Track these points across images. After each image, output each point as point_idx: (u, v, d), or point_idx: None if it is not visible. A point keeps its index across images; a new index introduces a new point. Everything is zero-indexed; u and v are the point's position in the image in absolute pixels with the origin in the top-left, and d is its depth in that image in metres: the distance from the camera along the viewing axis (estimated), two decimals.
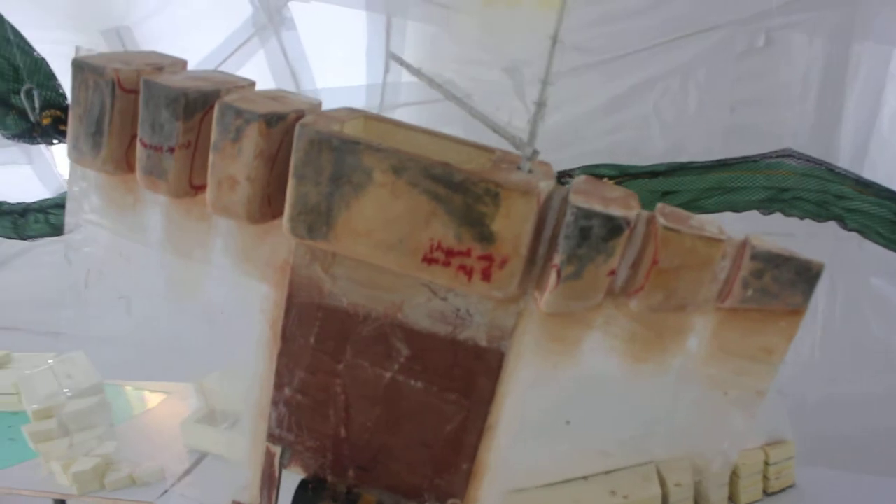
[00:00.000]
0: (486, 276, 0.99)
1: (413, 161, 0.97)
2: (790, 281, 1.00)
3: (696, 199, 1.75)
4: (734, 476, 1.58)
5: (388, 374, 1.19)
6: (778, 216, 1.91)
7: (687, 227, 0.98)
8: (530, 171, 1.04)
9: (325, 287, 1.16)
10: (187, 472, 1.92)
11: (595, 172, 1.81)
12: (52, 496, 1.88)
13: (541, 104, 1.03)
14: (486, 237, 0.97)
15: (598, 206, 0.95)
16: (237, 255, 1.19)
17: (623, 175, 1.79)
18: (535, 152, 1.04)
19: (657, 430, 1.45)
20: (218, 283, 1.22)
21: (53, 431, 1.97)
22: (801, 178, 1.63)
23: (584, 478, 1.56)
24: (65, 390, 2.10)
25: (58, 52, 1.87)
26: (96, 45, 2.98)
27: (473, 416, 1.18)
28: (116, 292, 1.37)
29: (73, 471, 1.80)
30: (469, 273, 1.00)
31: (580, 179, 1.07)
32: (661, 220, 0.98)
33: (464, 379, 1.16)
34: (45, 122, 1.78)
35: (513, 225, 0.97)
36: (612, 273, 0.99)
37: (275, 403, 1.27)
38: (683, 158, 1.99)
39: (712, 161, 1.78)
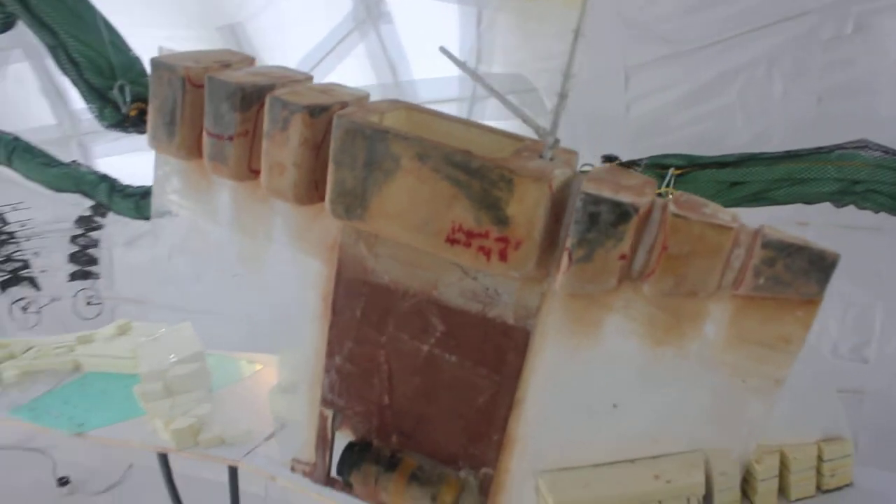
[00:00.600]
0: (503, 256, 1.06)
1: (436, 149, 1.05)
2: (803, 270, 1.00)
3: (765, 191, 1.72)
4: (784, 469, 1.57)
5: (425, 348, 1.28)
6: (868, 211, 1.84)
7: (697, 215, 1.00)
8: (552, 159, 1.09)
9: (369, 264, 1.26)
10: (270, 435, 2.09)
11: (664, 163, 1.82)
12: (155, 449, 2.09)
13: (563, 96, 1.09)
14: (502, 220, 1.04)
15: (607, 193, 1.00)
16: (293, 234, 1.31)
17: (692, 165, 1.79)
18: (557, 141, 1.10)
19: (695, 419, 1.46)
20: (278, 259, 1.34)
21: (159, 393, 2.20)
22: (874, 170, 1.57)
23: (632, 461, 1.60)
24: (171, 357, 2.32)
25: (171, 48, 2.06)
26: (213, 42, 3.23)
27: (503, 390, 1.24)
28: (195, 267, 1.52)
29: (173, 428, 2.01)
30: (487, 254, 1.07)
31: (601, 167, 1.12)
32: (672, 208, 1.01)
33: (493, 355, 1.23)
34: (132, 113, 2.00)
35: (526, 209, 1.03)
36: (624, 258, 1.04)
37: (327, 371, 1.38)
38: (768, 149, 1.95)
39: (782, 152, 1.74)
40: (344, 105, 1.17)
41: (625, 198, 1.00)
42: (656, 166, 1.80)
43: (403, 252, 1.23)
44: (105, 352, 2.56)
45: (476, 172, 1.04)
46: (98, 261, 3.49)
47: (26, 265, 3.79)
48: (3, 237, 3.73)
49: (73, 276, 3.58)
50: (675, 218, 1.00)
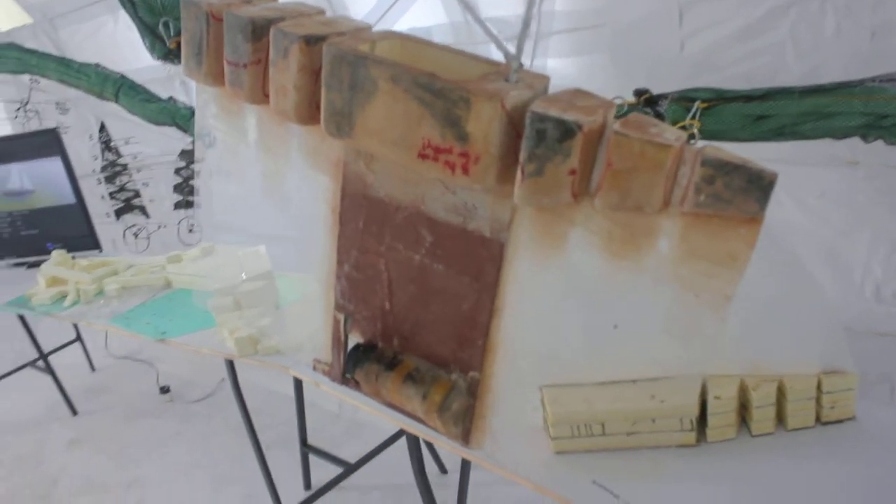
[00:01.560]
0: (465, 170, 1.17)
1: (407, 72, 1.17)
2: (742, 188, 1.06)
3: (791, 125, 1.70)
4: (782, 398, 1.59)
5: (417, 258, 1.41)
6: None
7: (639, 133, 1.07)
8: (516, 82, 1.18)
9: (368, 180, 1.40)
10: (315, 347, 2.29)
11: (692, 96, 1.82)
12: (222, 355, 2.33)
13: (526, 22, 1.16)
14: (463, 137, 1.15)
15: (553, 112, 1.08)
16: (306, 152, 1.46)
17: (718, 99, 1.79)
18: (521, 65, 1.18)
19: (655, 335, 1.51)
20: (295, 175, 1.50)
21: (229, 307, 2.44)
22: None
23: (633, 381, 1.67)
24: (242, 275, 2.57)
25: None
26: None
27: (483, 298, 1.36)
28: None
29: (236, 336, 2.24)
30: (452, 168, 1.18)
31: (565, 91, 1.19)
32: (615, 126, 1.08)
33: (474, 265, 1.34)
34: (173, 46, 2.23)
35: (482, 126, 1.13)
36: (573, 173, 1.12)
37: (338, 278, 1.54)
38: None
39: (809, 86, 1.71)
40: (340, 35, 1.29)
41: (569, 116, 1.08)
42: (683, 99, 1.82)
43: (394, 168, 1.35)
44: (190, 271, 2.85)
45: (439, 93, 1.14)
46: (198, 191, 3.82)
47: (137, 195, 4.20)
48: (118, 169, 4.14)
49: (177, 206, 3.94)
50: (617, 136, 1.08)
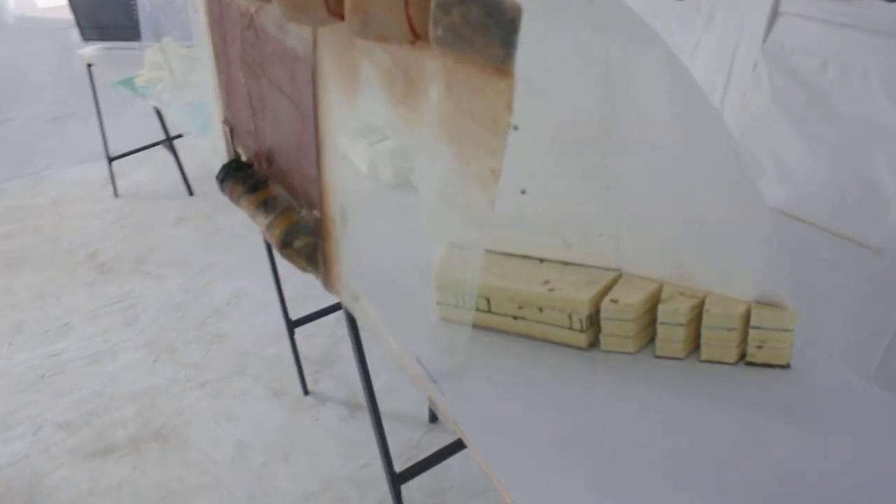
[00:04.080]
0: None
1: None
2: (481, 24, 0.78)
3: None
4: (693, 317, 1.28)
5: (262, 76, 1.25)
6: None
7: None
8: None
9: None
10: None
11: None
12: None
13: None
14: None
15: None
16: None
17: None
18: None
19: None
20: None
21: None
22: None
23: (541, 260, 1.43)
24: None
25: None
26: None
27: (308, 125, 1.19)
28: None
29: None
30: None
31: None
32: None
33: (297, 89, 1.17)
34: None
35: None
36: None
37: (219, 88, 1.43)
38: None
39: None
40: None
41: None
42: None
43: None
44: None
45: None
46: None
47: None
48: None
49: None
50: None
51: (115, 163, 4.11)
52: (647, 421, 1.15)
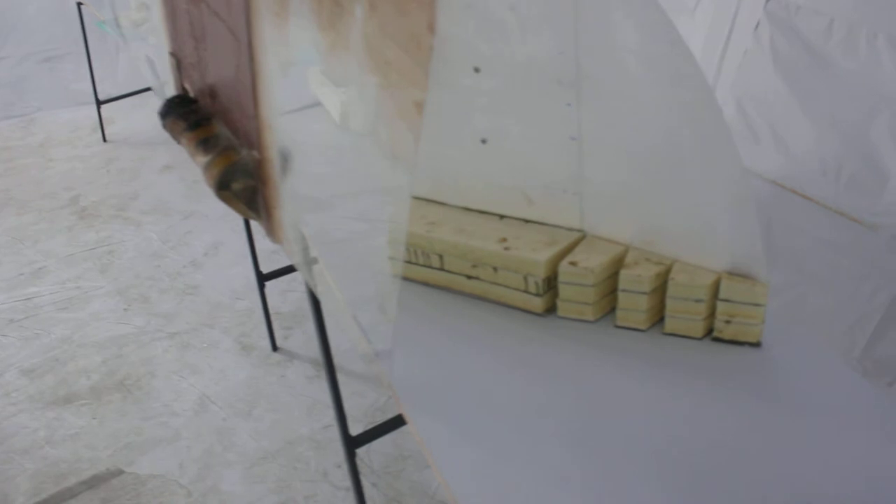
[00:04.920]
0: None
1: None
2: None
3: None
4: (658, 285, 1.17)
5: (203, 3, 1.14)
6: None
7: None
8: None
9: None
10: None
11: None
12: None
13: None
14: None
15: None
16: None
17: None
18: None
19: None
20: None
21: None
22: None
23: (501, 216, 1.33)
24: None
25: None
26: None
27: (244, 57, 1.08)
28: None
29: None
30: None
31: None
32: None
33: (233, 14, 1.06)
34: None
35: None
36: None
37: (165, 18, 1.32)
38: None
39: None
40: None
41: None
42: None
43: None
44: None
45: None
46: None
47: None
48: None
49: None
50: None
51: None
52: (601, 395, 1.05)
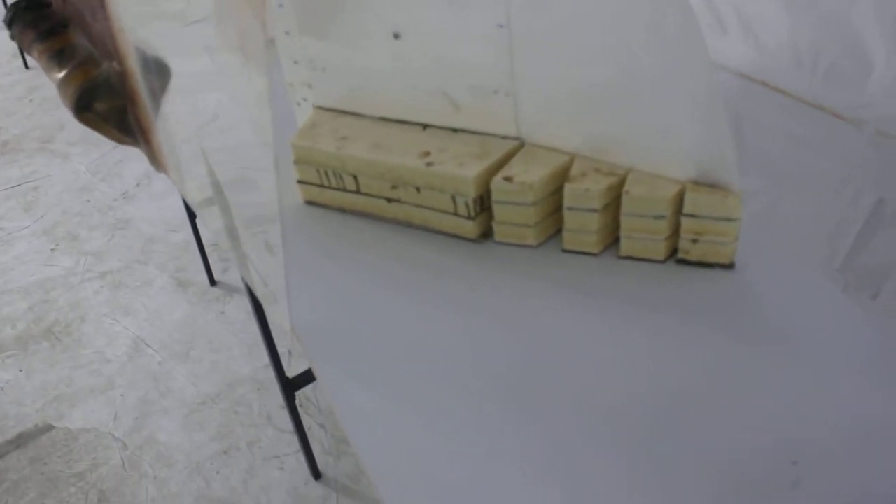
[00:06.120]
0: None
1: None
2: None
3: None
4: (611, 200, 0.99)
5: None
6: None
7: None
8: None
9: None
10: None
11: None
12: None
13: None
14: None
15: None
16: None
17: None
18: None
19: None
20: None
21: None
22: None
23: (424, 126, 1.13)
24: None
25: None
26: None
27: None
28: None
29: None
30: None
31: None
32: None
33: None
34: None
35: None
36: None
37: None
38: None
39: None
40: None
41: None
42: None
43: None
44: None
45: None
46: None
47: None
48: None
49: None
50: None
51: None
52: (545, 337, 0.88)
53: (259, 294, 1.03)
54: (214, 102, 0.89)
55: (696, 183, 0.93)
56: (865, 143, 1.46)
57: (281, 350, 1.51)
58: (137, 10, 0.84)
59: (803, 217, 1.44)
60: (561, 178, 1.00)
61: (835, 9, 1.58)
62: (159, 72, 0.96)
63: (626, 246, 0.99)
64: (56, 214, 2.67)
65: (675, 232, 0.97)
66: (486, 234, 1.05)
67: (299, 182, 1.16)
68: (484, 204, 1.02)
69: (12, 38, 1.10)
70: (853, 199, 1.43)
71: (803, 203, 1.47)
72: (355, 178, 1.09)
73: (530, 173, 0.99)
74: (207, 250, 2.24)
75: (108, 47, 0.96)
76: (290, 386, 1.57)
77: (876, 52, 1.50)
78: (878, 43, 1.50)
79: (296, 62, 1.15)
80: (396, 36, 1.03)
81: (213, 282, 2.27)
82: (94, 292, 2.32)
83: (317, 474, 1.69)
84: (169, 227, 2.53)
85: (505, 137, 1.06)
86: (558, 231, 1.03)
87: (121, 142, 1.07)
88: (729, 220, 0.93)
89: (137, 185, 2.77)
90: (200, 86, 0.91)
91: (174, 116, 0.95)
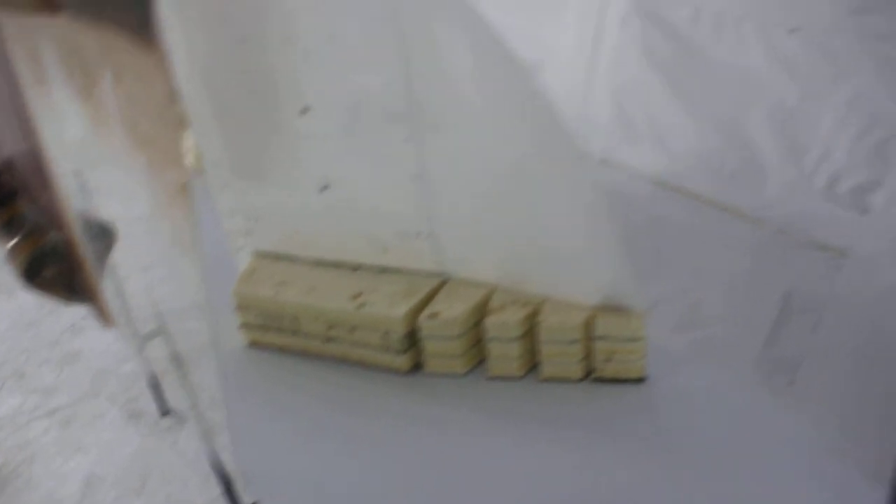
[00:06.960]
0: None
1: None
2: None
3: None
4: (528, 329, 1.07)
5: None
6: None
7: None
8: None
9: None
10: None
11: None
12: None
13: None
14: None
15: None
16: None
17: None
18: None
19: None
20: None
21: None
22: None
23: (354, 268, 1.21)
24: None
25: None
26: None
27: (23, 126, 0.93)
28: None
29: None
30: None
31: None
32: None
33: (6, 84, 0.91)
34: None
35: None
36: None
37: None
38: None
39: None
40: None
41: None
42: None
43: None
44: None
45: None
46: None
47: None
48: None
49: None
50: None
51: None
52: (469, 465, 0.94)
53: (201, 429, 1.07)
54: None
55: (604, 307, 1.02)
56: (768, 241, 1.59)
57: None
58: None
59: (722, 314, 1.54)
60: (482, 311, 1.08)
61: (732, 117, 1.74)
62: (103, 235, 1.03)
63: (546, 369, 1.07)
64: (1, 352, 2.65)
65: (589, 353, 1.05)
66: (418, 366, 1.12)
67: (241, 326, 1.21)
68: (413, 339, 1.09)
69: None
70: (764, 293, 1.54)
71: (721, 300, 1.58)
72: (294, 320, 1.16)
73: (454, 309, 1.07)
74: (158, 379, 2.24)
75: (54, 216, 1.03)
76: None
77: (770, 157, 1.65)
78: (771, 148, 1.65)
79: (233, 214, 1.23)
80: (324, 188, 1.12)
81: (164, 412, 2.27)
82: (42, 431, 2.29)
83: None
84: (119, 358, 2.53)
85: (430, 274, 1.14)
86: (485, 358, 1.10)
87: (70, 303, 1.13)
88: (635, 340, 1.01)
89: (84, 316, 2.77)
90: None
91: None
